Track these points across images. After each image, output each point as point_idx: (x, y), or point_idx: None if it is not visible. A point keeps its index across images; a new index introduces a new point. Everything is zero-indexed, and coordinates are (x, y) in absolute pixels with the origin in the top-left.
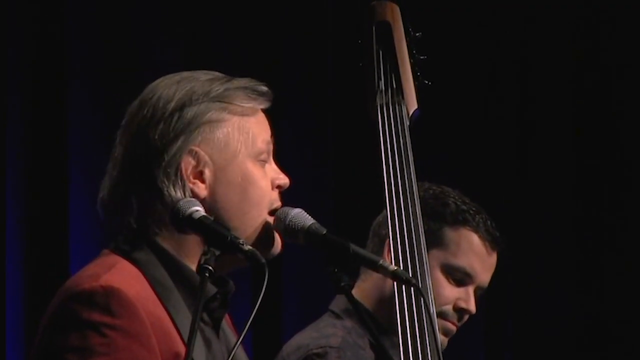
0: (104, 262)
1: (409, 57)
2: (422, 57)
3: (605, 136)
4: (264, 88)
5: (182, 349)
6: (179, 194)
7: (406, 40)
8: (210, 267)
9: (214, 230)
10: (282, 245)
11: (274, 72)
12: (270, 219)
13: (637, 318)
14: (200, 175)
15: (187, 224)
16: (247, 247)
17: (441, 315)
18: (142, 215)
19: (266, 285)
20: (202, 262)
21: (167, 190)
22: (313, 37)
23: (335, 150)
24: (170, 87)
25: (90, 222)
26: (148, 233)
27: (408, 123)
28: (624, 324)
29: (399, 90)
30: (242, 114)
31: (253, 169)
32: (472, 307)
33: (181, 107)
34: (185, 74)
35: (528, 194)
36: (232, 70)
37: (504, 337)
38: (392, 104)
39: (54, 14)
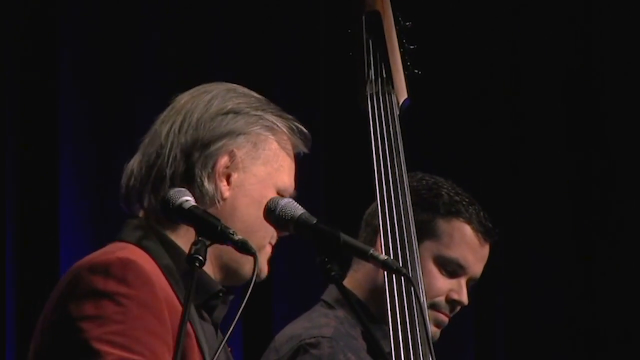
0: (113, 246)
1: (399, 47)
2: (412, 47)
3: (596, 128)
4: (307, 133)
5: (190, 332)
6: (210, 187)
7: (396, 30)
8: (201, 257)
9: (204, 220)
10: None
11: (264, 62)
12: (269, 250)
13: (630, 317)
14: (227, 177)
15: (177, 213)
16: (238, 237)
17: (433, 306)
18: None
19: (256, 277)
20: (192, 252)
21: (200, 178)
22: (303, 26)
23: (326, 140)
24: (227, 92)
25: (81, 221)
26: (155, 224)
27: (398, 112)
28: (617, 323)
29: (389, 80)
30: (283, 147)
31: (273, 196)
32: (465, 298)
33: (237, 111)
34: (237, 86)
35: (520, 188)
36: (222, 61)
37: (495, 337)
38: (382, 94)
39: (48, 11)
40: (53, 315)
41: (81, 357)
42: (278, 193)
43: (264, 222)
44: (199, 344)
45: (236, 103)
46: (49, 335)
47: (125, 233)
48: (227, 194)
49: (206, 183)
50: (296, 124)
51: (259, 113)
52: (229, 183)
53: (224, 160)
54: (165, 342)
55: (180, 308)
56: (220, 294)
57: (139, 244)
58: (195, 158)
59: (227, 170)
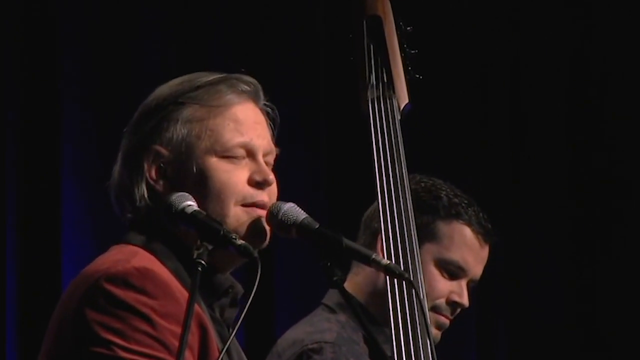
0: (122, 251)
1: (400, 51)
2: (413, 51)
3: (598, 127)
4: (241, 85)
5: (211, 335)
6: (144, 192)
7: (397, 35)
8: (203, 262)
9: (206, 224)
10: (270, 238)
11: (265, 67)
12: (242, 211)
13: (631, 317)
14: (164, 173)
15: (180, 218)
16: (240, 242)
17: (434, 309)
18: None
19: (259, 280)
20: (194, 256)
21: (136, 188)
22: (304, 31)
23: (328, 145)
24: (152, 94)
25: (82, 221)
26: (161, 225)
27: (399, 117)
28: (617, 323)
29: (390, 85)
30: (208, 112)
31: (214, 163)
32: (466, 300)
33: (148, 112)
34: (177, 79)
35: (520, 189)
36: (222, 65)
37: (496, 337)
38: (383, 98)
39: (48, 12)
40: (72, 323)
41: None
42: (225, 155)
43: (210, 192)
44: (217, 345)
45: (145, 105)
46: (68, 343)
47: (131, 235)
48: (161, 189)
49: (139, 190)
50: (227, 82)
51: (166, 102)
52: (166, 179)
53: (149, 161)
54: (191, 348)
55: (198, 309)
56: (230, 290)
57: (146, 247)
58: (135, 171)
59: (159, 168)
